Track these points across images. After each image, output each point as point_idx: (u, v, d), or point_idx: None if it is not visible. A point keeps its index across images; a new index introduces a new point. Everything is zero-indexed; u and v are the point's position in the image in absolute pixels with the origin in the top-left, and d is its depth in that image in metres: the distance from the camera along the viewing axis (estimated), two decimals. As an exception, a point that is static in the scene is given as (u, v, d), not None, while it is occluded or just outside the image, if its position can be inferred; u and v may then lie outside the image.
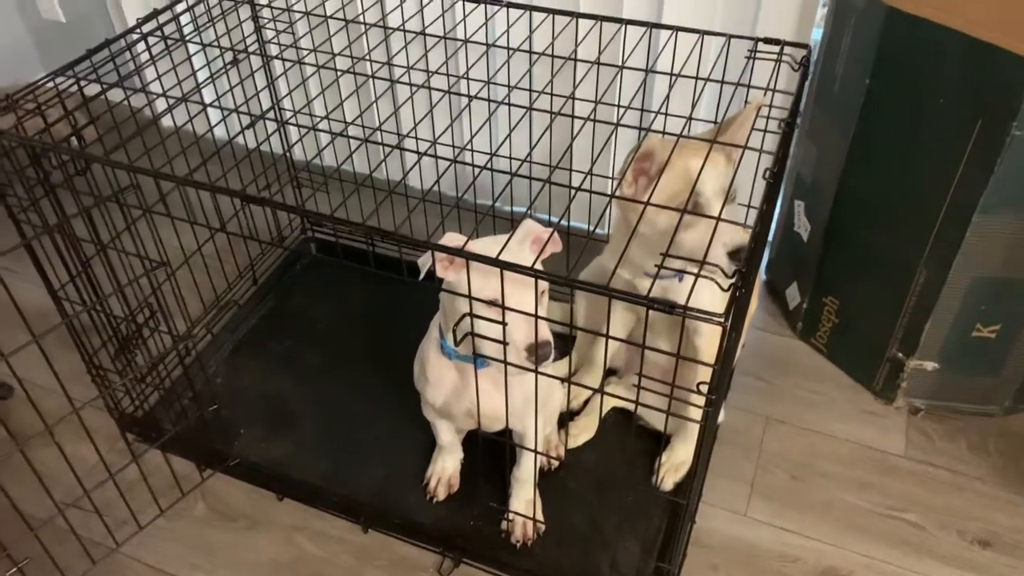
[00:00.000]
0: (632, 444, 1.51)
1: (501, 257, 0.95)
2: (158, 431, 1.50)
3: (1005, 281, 1.35)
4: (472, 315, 1.04)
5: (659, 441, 1.49)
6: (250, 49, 1.61)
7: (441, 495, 1.43)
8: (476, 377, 1.16)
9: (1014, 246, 1.30)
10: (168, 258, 1.35)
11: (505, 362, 1.05)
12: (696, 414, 1.39)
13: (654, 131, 1.24)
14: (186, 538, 1.39)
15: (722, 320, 0.84)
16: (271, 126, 1.78)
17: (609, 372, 1.60)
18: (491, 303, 1.04)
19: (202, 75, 1.51)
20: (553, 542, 1.35)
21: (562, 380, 1.38)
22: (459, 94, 1.43)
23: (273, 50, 1.71)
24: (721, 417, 1.47)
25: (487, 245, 1.06)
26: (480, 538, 1.37)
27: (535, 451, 1.26)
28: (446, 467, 1.44)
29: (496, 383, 1.19)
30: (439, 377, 1.24)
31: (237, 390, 1.61)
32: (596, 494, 1.43)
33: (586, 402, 1.56)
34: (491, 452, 1.33)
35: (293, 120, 1.74)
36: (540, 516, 1.38)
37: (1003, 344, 1.43)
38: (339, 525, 1.41)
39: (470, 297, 1.03)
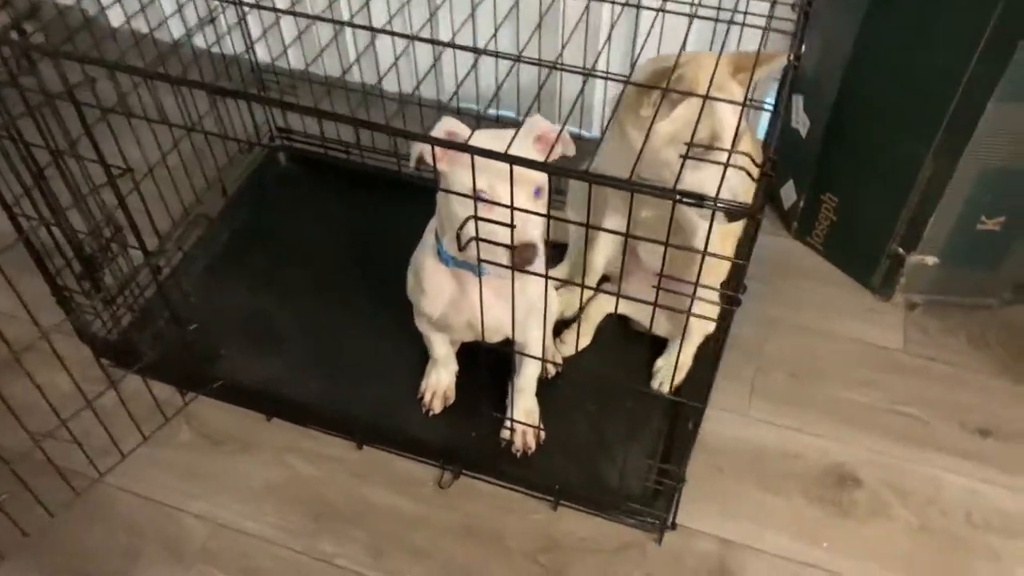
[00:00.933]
0: (630, 349, 1.47)
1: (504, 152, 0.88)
2: (134, 355, 1.41)
3: (1014, 171, 1.31)
4: (476, 217, 0.96)
5: (656, 345, 1.46)
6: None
7: (437, 408, 1.38)
8: (481, 287, 1.09)
9: (1026, 133, 1.26)
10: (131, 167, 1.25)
11: (513, 268, 0.98)
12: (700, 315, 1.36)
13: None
14: (173, 465, 1.33)
15: (754, 209, 0.78)
16: (231, 21, 1.63)
17: (602, 279, 1.55)
18: (480, 198, 0.95)
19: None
20: (554, 450, 1.32)
21: (572, 283, 1.32)
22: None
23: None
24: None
25: (487, 139, 0.98)
26: (480, 449, 1.33)
27: (542, 359, 1.21)
28: (441, 380, 1.39)
29: (498, 292, 1.12)
30: (436, 287, 1.17)
31: (215, 309, 1.52)
32: (595, 401, 1.39)
33: (580, 309, 1.51)
34: (487, 362, 1.27)
35: (255, 13, 1.60)
36: (539, 423, 1.34)
37: (1007, 236, 1.40)
38: (333, 443, 1.36)
39: (475, 197, 0.94)
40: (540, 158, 1.02)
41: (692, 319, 1.36)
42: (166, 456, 1.33)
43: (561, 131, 0.97)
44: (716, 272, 1.36)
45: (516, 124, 1.02)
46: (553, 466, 1.30)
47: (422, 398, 1.39)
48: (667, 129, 1.08)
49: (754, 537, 1.25)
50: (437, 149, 0.96)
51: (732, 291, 0.88)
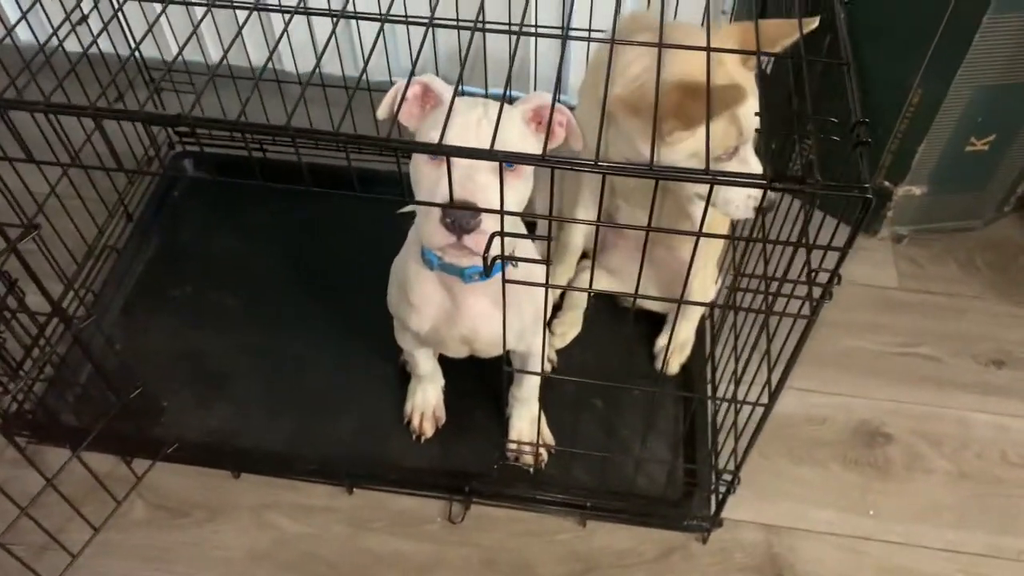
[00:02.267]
0: (621, 329, 1.34)
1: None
2: (58, 426, 1.20)
3: (1007, 88, 1.23)
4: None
5: (648, 319, 1.34)
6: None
7: (428, 431, 1.22)
8: (465, 297, 0.92)
9: (1021, 46, 1.18)
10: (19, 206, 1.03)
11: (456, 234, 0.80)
12: (699, 292, 1.25)
13: None
14: (134, 550, 1.12)
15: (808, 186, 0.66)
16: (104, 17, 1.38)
17: (581, 257, 1.41)
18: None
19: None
20: (567, 458, 1.19)
21: (577, 289, 1.18)
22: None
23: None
24: (717, 286, 1.32)
25: (466, 106, 0.82)
26: (487, 472, 1.18)
27: (541, 373, 1.06)
28: (428, 398, 1.23)
29: (495, 300, 0.97)
30: (424, 299, 0.99)
31: (145, 355, 1.29)
32: (599, 394, 1.26)
33: (562, 295, 1.37)
34: (475, 370, 1.15)
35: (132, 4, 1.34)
36: (548, 433, 1.20)
37: (995, 155, 1.34)
38: (317, 492, 1.18)
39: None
40: (533, 139, 0.86)
41: (691, 295, 1.25)
42: (122, 542, 1.12)
43: (549, 116, 0.81)
44: (713, 247, 1.26)
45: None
46: (572, 477, 1.17)
47: (409, 422, 1.23)
48: (690, 147, 0.94)
49: (798, 517, 1.16)
50: (407, 105, 0.85)
51: (827, 283, 0.75)
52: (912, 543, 1.13)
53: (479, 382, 1.26)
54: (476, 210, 0.77)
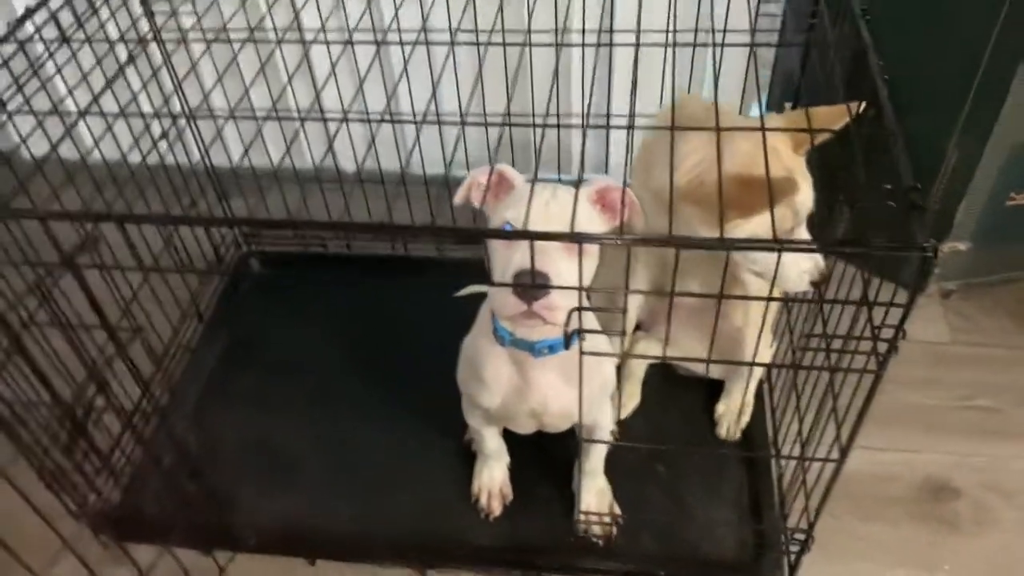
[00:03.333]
0: (680, 396, 1.37)
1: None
2: (140, 523, 1.24)
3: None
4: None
5: (706, 386, 1.36)
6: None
7: (497, 510, 1.24)
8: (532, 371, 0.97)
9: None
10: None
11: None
12: (756, 357, 1.28)
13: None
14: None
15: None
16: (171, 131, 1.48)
17: (635, 327, 1.45)
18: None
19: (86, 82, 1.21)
20: (636, 529, 1.20)
21: (649, 357, 1.21)
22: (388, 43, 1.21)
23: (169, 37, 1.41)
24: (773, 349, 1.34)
25: (537, 190, 0.87)
26: (558, 546, 1.20)
27: (611, 441, 1.10)
28: (494, 477, 1.26)
29: (565, 375, 1.00)
30: (495, 375, 1.03)
31: (218, 448, 1.35)
32: (662, 462, 1.28)
33: (618, 367, 1.41)
34: (538, 446, 1.19)
35: (207, 116, 1.44)
36: (615, 504, 1.22)
37: (1035, 205, 1.37)
38: (393, 574, 1.20)
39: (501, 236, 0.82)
40: (598, 220, 0.92)
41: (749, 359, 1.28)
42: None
43: (629, 200, 0.87)
44: (769, 312, 1.29)
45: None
46: (641, 547, 1.18)
47: (477, 501, 1.26)
48: (748, 230, 0.98)
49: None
50: (478, 192, 0.92)
51: (892, 338, 0.78)
52: (991, 599, 1.12)
53: (542, 458, 1.28)
54: (544, 285, 0.82)
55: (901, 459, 1.28)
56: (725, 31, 1.20)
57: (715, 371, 1.35)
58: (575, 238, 0.78)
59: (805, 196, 1.01)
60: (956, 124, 1.26)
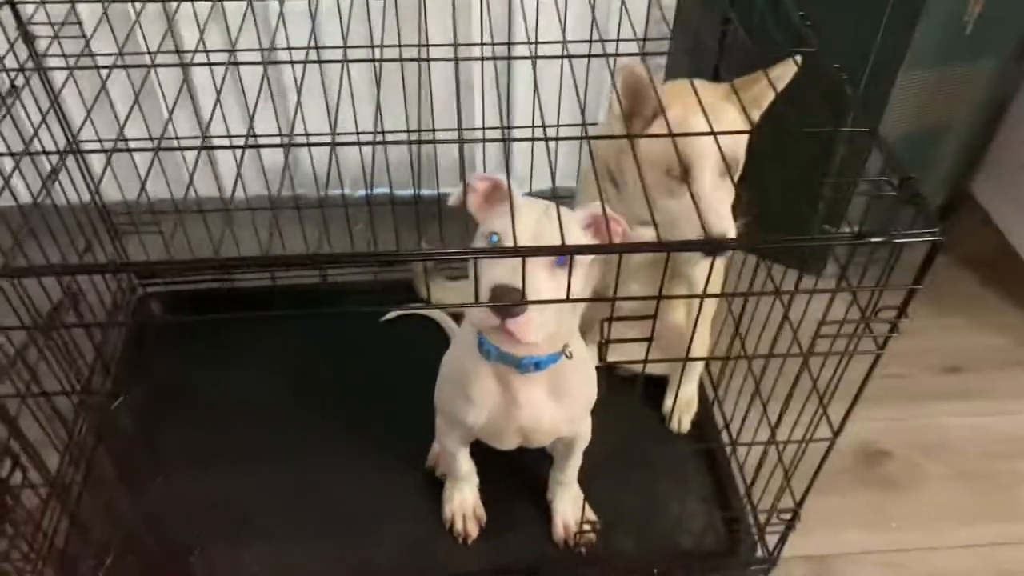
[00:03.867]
0: (621, 397, 1.39)
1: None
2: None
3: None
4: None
5: (656, 389, 1.40)
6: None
7: (473, 532, 1.22)
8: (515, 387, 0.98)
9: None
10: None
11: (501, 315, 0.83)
12: (699, 350, 1.34)
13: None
14: None
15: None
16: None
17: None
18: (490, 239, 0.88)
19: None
20: (612, 531, 1.21)
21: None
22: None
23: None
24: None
25: (528, 206, 0.88)
26: (542, 560, 1.19)
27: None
28: (466, 499, 1.23)
29: (552, 390, 1.01)
30: (481, 392, 1.01)
31: (159, 510, 1.22)
32: (623, 461, 1.31)
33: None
34: (504, 465, 1.20)
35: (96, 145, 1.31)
36: (590, 512, 1.23)
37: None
38: (377, 618, 1.15)
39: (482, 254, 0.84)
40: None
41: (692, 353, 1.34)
42: None
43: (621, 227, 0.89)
44: (711, 308, 1.35)
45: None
46: (621, 548, 1.20)
47: (452, 527, 1.22)
48: (651, 156, 1.01)
49: (834, 543, 1.24)
50: (472, 196, 0.90)
51: (895, 319, 0.84)
52: (937, 546, 1.24)
53: (509, 476, 1.27)
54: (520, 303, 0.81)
55: (828, 432, 1.38)
56: (618, 41, 1.26)
57: (659, 368, 1.39)
58: (564, 251, 0.79)
59: (699, 126, 0.97)
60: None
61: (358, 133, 1.49)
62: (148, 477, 1.27)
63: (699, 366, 1.37)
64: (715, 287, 1.30)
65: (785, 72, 1.03)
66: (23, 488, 1.06)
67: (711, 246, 0.79)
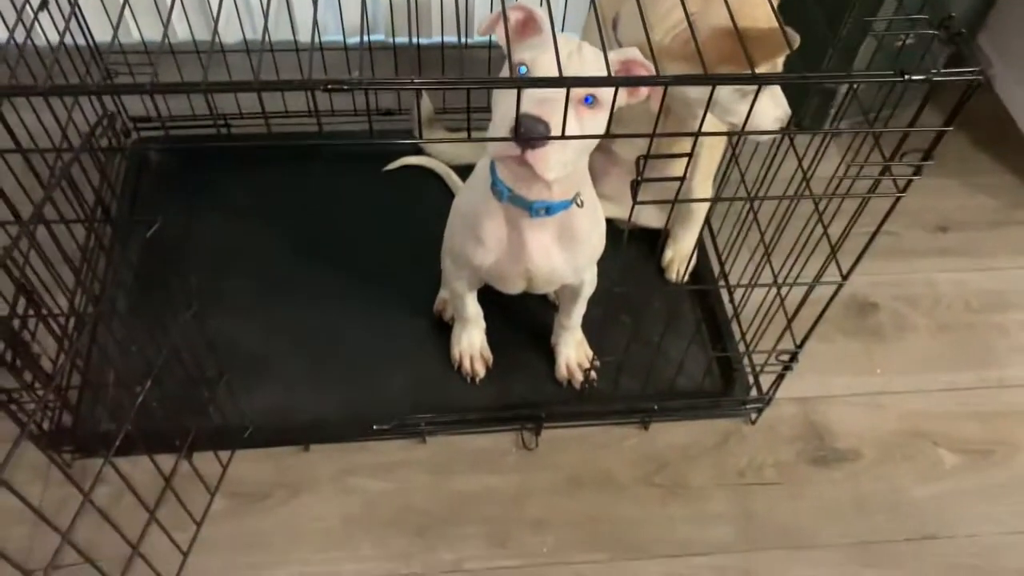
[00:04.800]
0: (630, 251, 1.42)
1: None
2: (98, 434, 1.15)
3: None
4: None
5: (645, 236, 1.43)
6: None
7: (481, 372, 1.26)
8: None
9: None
10: None
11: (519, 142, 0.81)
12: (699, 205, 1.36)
13: None
14: (227, 541, 1.11)
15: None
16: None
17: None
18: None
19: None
20: (613, 371, 1.26)
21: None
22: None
23: None
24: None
25: (562, 41, 0.84)
26: (548, 399, 1.25)
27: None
28: (473, 341, 1.27)
29: (560, 238, 1.02)
30: (490, 233, 1.02)
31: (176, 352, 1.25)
32: (624, 311, 1.35)
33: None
34: (508, 309, 1.25)
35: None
36: (592, 353, 1.28)
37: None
38: (391, 448, 1.20)
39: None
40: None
41: (692, 205, 1.36)
42: (212, 536, 1.10)
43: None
44: (713, 156, 1.36)
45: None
46: (624, 388, 1.25)
47: (460, 368, 1.27)
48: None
49: (822, 387, 1.30)
50: (502, 27, 0.85)
51: (921, 161, 0.86)
52: (917, 389, 1.31)
53: (514, 320, 1.32)
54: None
55: (830, 281, 1.42)
56: None
57: (660, 220, 1.41)
58: (565, 83, 0.75)
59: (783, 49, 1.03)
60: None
61: None
62: (155, 322, 1.29)
63: (699, 219, 1.39)
64: (717, 142, 1.32)
65: None
66: (41, 320, 1.08)
67: (756, 79, 0.77)
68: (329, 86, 0.69)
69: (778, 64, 1.05)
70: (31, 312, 1.07)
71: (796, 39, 0.97)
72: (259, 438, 1.17)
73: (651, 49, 0.84)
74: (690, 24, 0.88)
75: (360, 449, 1.20)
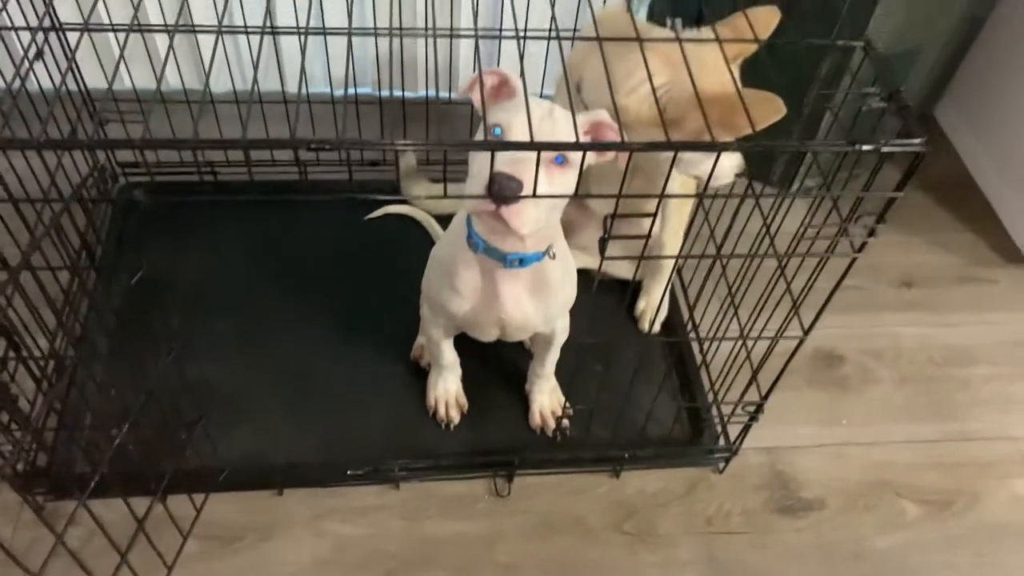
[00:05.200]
0: (602, 301, 1.46)
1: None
2: (72, 476, 1.16)
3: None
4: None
5: (620, 287, 1.46)
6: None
7: (455, 418, 1.29)
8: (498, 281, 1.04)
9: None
10: None
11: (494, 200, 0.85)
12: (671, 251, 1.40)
13: None
14: (198, 583, 1.12)
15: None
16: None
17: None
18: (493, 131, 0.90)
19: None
20: (585, 418, 1.29)
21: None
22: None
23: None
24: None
25: (534, 105, 0.88)
26: (521, 446, 1.27)
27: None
28: (449, 387, 1.29)
29: (532, 288, 1.06)
30: (465, 282, 1.06)
31: (154, 394, 1.26)
32: (597, 359, 1.38)
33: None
34: (486, 356, 1.28)
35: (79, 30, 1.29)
36: (565, 402, 1.31)
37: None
38: (364, 494, 1.22)
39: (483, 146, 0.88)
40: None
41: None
42: (182, 578, 1.12)
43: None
44: (683, 212, 1.41)
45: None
46: (596, 436, 1.28)
47: (435, 413, 1.29)
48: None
49: (790, 436, 1.33)
50: (477, 90, 0.89)
51: (875, 224, 0.91)
52: (881, 441, 1.34)
53: (490, 367, 1.34)
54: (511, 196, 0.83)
55: (793, 335, 1.46)
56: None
57: (631, 272, 1.45)
58: (536, 147, 0.79)
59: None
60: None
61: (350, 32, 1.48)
62: (134, 363, 1.31)
63: (669, 272, 1.43)
64: (686, 199, 1.36)
65: (771, 20, 1.06)
66: (21, 362, 1.10)
67: (716, 147, 0.82)
68: (312, 145, 0.73)
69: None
70: (11, 354, 1.09)
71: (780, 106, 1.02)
72: (234, 481, 1.18)
73: (616, 110, 0.89)
74: (654, 91, 0.92)
75: (334, 493, 1.21)
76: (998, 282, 1.61)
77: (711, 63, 1.01)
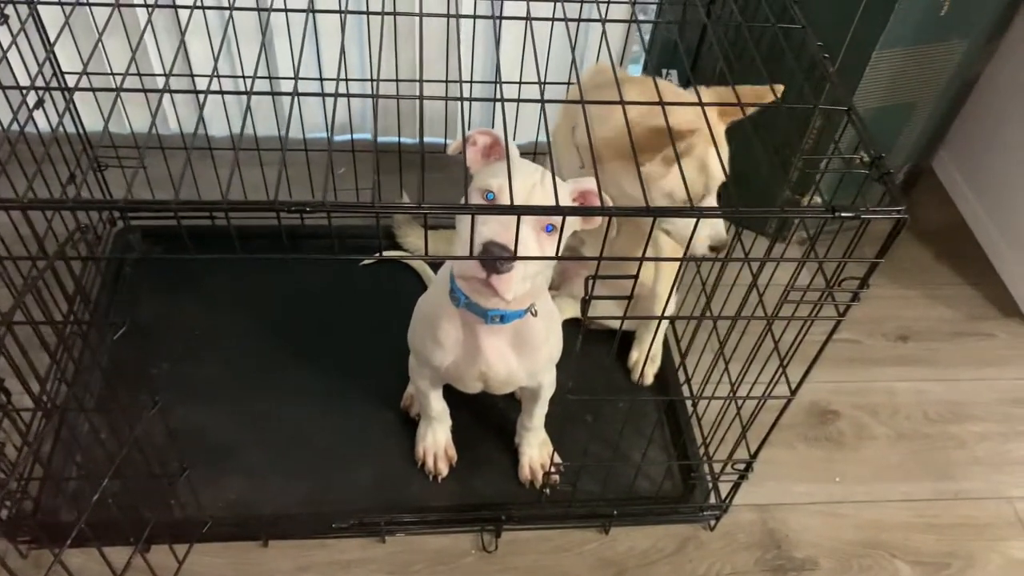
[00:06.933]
0: (593, 351, 1.45)
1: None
2: (59, 525, 1.15)
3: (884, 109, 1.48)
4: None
5: (623, 344, 1.46)
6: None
7: (444, 471, 1.28)
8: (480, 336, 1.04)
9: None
10: None
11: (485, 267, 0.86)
12: (659, 307, 1.40)
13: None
14: (177, 637, 1.10)
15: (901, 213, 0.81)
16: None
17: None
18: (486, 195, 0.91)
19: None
20: (574, 473, 1.28)
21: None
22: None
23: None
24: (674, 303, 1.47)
25: (522, 166, 0.92)
26: (509, 500, 1.26)
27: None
28: (438, 439, 1.28)
29: (514, 343, 1.06)
30: (447, 335, 1.06)
31: (141, 441, 1.25)
32: (588, 411, 1.37)
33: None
34: (477, 408, 1.28)
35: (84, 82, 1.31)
36: (555, 456, 1.29)
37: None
38: (350, 546, 1.21)
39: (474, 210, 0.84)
40: (574, 219, 0.95)
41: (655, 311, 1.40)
42: (161, 632, 1.10)
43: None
44: (673, 270, 1.41)
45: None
46: (584, 491, 1.26)
47: (423, 465, 1.28)
48: (666, 186, 1.11)
49: (781, 494, 1.32)
50: (471, 149, 0.94)
51: (857, 289, 0.90)
52: (875, 499, 1.32)
53: (480, 419, 1.34)
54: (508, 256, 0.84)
55: (786, 391, 1.45)
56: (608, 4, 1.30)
57: (627, 324, 1.45)
58: (517, 211, 0.81)
59: (715, 161, 1.08)
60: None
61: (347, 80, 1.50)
62: (138, 405, 1.31)
63: (664, 324, 1.43)
64: (677, 253, 1.36)
65: (763, 96, 1.06)
66: (6, 414, 1.10)
67: (694, 213, 0.83)
68: (294, 208, 0.73)
69: (709, 175, 1.11)
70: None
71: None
72: (218, 532, 1.17)
73: (591, 149, 0.89)
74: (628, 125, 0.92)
75: (319, 546, 1.20)
76: (995, 336, 1.60)
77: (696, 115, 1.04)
